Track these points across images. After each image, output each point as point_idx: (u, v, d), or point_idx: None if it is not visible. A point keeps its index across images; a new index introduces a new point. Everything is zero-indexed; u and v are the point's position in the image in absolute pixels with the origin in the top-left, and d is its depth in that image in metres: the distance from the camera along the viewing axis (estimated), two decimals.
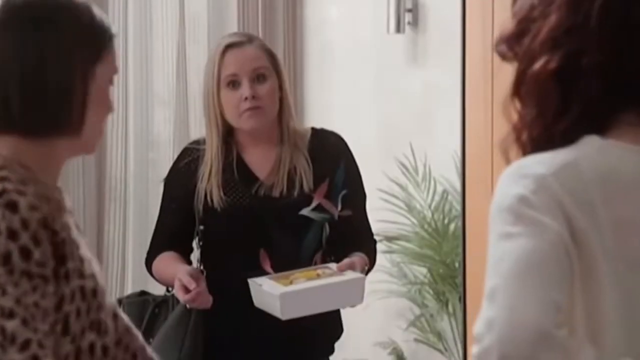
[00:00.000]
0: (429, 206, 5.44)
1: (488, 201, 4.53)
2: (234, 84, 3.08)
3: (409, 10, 5.78)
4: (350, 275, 3.19)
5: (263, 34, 3.46)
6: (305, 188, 3.18)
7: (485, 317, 1.56)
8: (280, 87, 3.15)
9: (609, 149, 1.66)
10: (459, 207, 5.40)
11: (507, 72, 4.39)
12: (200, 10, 3.54)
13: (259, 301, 3.12)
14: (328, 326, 3.37)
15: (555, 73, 1.70)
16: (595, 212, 1.62)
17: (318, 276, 3.13)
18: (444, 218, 5.39)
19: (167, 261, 3.26)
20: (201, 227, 3.23)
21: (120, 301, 3.30)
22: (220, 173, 3.15)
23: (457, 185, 5.55)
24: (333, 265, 3.24)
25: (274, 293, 3.02)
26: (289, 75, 3.57)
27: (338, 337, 3.46)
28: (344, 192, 3.29)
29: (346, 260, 3.24)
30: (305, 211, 3.18)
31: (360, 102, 5.96)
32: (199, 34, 3.70)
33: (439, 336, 5.68)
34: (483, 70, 4.48)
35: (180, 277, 3.04)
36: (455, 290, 5.32)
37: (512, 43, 1.86)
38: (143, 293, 3.36)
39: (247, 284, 3.12)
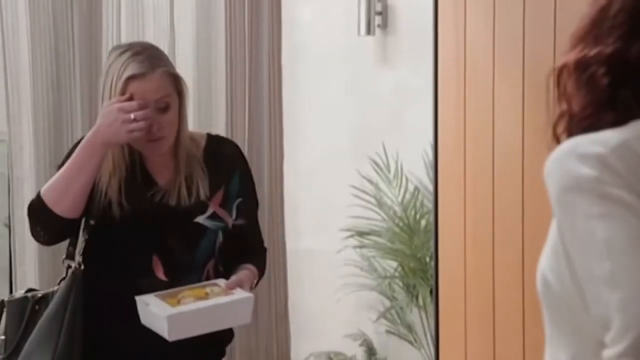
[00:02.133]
0: (401, 202, 5.40)
1: (460, 197, 4.49)
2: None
3: (379, 13, 5.78)
4: (238, 294, 2.96)
5: (249, 35, 3.31)
6: (202, 196, 3.01)
7: (617, 300, 1.49)
8: (181, 104, 2.96)
9: None
10: (429, 204, 5.36)
11: (479, 72, 4.35)
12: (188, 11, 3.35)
13: (146, 320, 2.93)
14: (217, 333, 3.09)
15: (576, 63, 1.69)
16: None
17: (207, 295, 2.93)
18: (415, 214, 5.35)
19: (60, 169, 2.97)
20: (91, 222, 2.98)
21: (2, 302, 3.06)
22: (122, 172, 2.96)
23: (427, 182, 5.51)
24: (222, 282, 3.04)
25: (161, 314, 2.83)
26: (272, 75, 3.45)
27: (229, 341, 3.22)
28: (238, 200, 3.10)
29: (234, 279, 3.02)
30: (200, 219, 3.01)
31: (333, 102, 5.91)
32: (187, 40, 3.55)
33: (409, 328, 5.64)
34: (455, 71, 4.44)
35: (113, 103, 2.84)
36: (426, 284, 5.28)
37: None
38: (29, 291, 3.09)
39: (135, 289, 2.95)
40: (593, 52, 1.68)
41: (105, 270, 3.01)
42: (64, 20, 3.07)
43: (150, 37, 3.18)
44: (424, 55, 5.35)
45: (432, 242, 5.09)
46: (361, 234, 5.44)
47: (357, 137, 5.80)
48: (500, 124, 4.25)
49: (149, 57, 2.88)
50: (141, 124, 2.79)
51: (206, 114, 3.37)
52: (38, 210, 2.91)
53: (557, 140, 1.74)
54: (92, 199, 2.93)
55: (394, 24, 5.81)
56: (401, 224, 5.37)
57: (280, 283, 3.58)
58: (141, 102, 2.81)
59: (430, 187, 5.43)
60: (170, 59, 3.05)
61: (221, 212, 3.04)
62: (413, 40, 5.68)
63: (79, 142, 2.92)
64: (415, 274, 5.35)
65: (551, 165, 1.67)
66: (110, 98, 2.84)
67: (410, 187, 5.45)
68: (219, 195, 3.05)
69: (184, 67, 3.21)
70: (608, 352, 1.50)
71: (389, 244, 5.45)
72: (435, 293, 4.61)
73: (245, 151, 3.44)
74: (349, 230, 5.65)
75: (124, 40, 3.31)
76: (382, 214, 5.51)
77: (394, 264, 5.58)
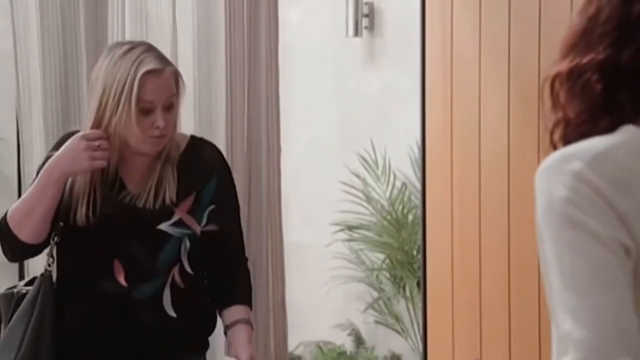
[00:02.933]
0: (389, 197, 5.40)
1: (447, 192, 4.48)
2: (147, 110, 2.74)
3: (366, 16, 5.80)
4: None
5: (248, 36, 3.29)
6: (167, 201, 2.83)
7: (576, 335, 1.49)
8: (179, 105, 2.87)
9: None
10: (415, 199, 5.37)
11: (466, 72, 4.34)
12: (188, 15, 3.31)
13: None
14: (199, 326, 2.98)
15: (569, 72, 1.64)
16: (636, 194, 1.55)
17: None
18: (403, 208, 5.35)
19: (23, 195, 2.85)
20: (61, 224, 2.83)
21: None
22: (95, 176, 2.81)
23: (413, 178, 5.52)
24: None
25: None
26: (270, 75, 3.43)
27: (210, 333, 3.05)
28: (211, 207, 2.92)
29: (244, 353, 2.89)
30: (163, 226, 2.84)
31: (321, 101, 5.91)
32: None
33: (397, 318, 5.65)
34: (442, 71, 4.43)
35: (81, 135, 2.70)
36: (413, 275, 5.29)
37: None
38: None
39: (99, 292, 2.82)
40: (585, 59, 1.64)
41: (72, 271, 2.89)
42: (71, 23, 3.05)
43: (153, 39, 3.16)
44: (409, 56, 5.37)
45: (419, 236, 5.11)
46: (350, 227, 5.45)
47: (345, 134, 5.81)
48: (486, 122, 4.25)
49: (160, 56, 2.82)
50: (105, 152, 2.70)
51: (206, 113, 3.34)
52: (3, 233, 2.80)
53: (554, 147, 1.67)
54: (61, 200, 2.80)
55: (381, 26, 5.83)
56: (389, 217, 5.37)
57: (278, 277, 3.56)
58: (103, 133, 2.71)
59: (417, 183, 5.45)
60: (172, 60, 2.99)
61: (188, 219, 2.87)
62: (399, 42, 5.69)
63: (49, 156, 2.81)
64: (402, 266, 5.36)
65: (537, 179, 1.64)
66: (122, 93, 2.70)
67: (398, 183, 5.45)
68: (189, 201, 2.88)
69: (185, 68, 3.17)
70: None
71: (377, 237, 5.45)
72: (423, 284, 4.61)
73: (244, 148, 3.40)
74: (338, 224, 5.65)
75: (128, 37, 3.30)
76: (371, 208, 5.51)
77: (381, 256, 5.59)
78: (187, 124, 3.10)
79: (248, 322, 2.95)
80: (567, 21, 4.05)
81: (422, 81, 4.55)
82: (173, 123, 2.83)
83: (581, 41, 1.65)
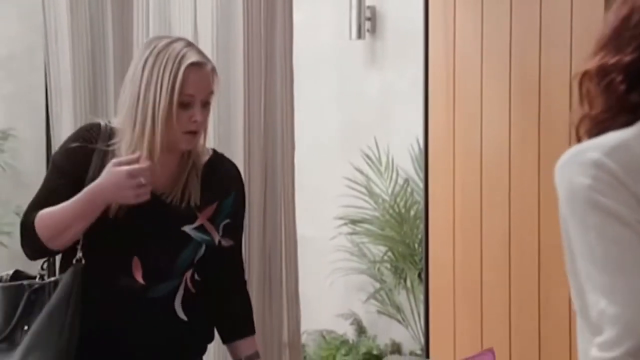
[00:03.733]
0: (391, 192, 5.39)
1: (449, 189, 4.45)
2: (187, 104, 2.61)
3: (369, 19, 5.81)
4: None
5: (265, 38, 3.27)
6: (192, 204, 2.71)
7: (612, 313, 1.51)
8: (211, 104, 2.77)
9: None
10: (416, 194, 5.35)
11: (468, 72, 4.32)
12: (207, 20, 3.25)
13: None
14: (204, 332, 2.87)
15: (598, 69, 1.65)
16: None
17: None
18: (405, 203, 5.34)
19: (54, 207, 2.64)
20: None
21: None
22: None
23: (413, 174, 5.51)
24: None
25: None
26: (285, 75, 3.41)
27: (211, 341, 2.92)
28: (226, 221, 2.80)
29: None
30: (187, 228, 2.71)
31: (325, 100, 5.88)
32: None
33: (398, 308, 5.64)
34: (445, 71, 4.41)
35: (118, 161, 2.55)
36: (414, 267, 5.27)
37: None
38: (17, 273, 2.78)
39: (116, 288, 2.68)
40: (613, 60, 1.65)
41: (92, 264, 2.69)
42: (100, 29, 3.02)
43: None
44: (410, 58, 5.36)
45: (420, 229, 5.10)
46: (354, 221, 5.43)
47: (348, 133, 5.79)
48: (488, 120, 4.23)
49: (200, 51, 2.70)
50: (148, 187, 2.55)
51: (225, 112, 3.31)
52: (29, 236, 2.66)
53: (579, 140, 1.69)
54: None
55: (382, 29, 5.82)
56: (391, 212, 5.36)
57: (292, 268, 3.53)
58: (150, 165, 2.56)
59: (417, 179, 5.43)
60: None
61: (209, 226, 2.75)
62: (399, 44, 5.69)
63: (86, 132, 2.69)
64: (404, 259, 5.34)
65: (557, 171, 1.66)
66: (165, 84, 2.57)
67: (400, 180, 5.44)
68: (211, 209, 2.76)
69: None
70: (598, 354, 1.51)
71: (379, 231, 5.43)
72: (425, 275, 4.59)
73: (261, 145, 3.37)
74: (341, 218, 5.63)
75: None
76: (373, 203, 5.50)
77: (383, 249, 5.57)
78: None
79: (259, 357, 2.89)
80: (567, 23, 4.05)
81: (425, 81, 4.53)
82: (206, 120, 2.71)
83: (611, 41, 1.65)
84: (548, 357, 4.00)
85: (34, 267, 2.80)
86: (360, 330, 5.90)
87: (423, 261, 4.68)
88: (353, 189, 5.51)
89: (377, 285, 5.73)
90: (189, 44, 2.67)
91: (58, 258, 2.80)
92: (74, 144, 2.69)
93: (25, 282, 2.74)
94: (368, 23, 5.79)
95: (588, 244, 1.56)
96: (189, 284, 2.74)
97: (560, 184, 1.64)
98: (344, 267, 5.78)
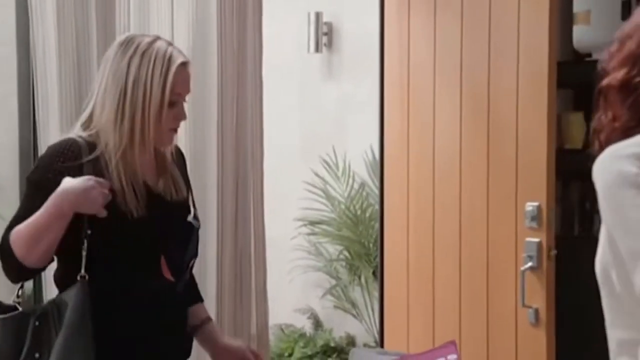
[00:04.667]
0: (348, 196, 5.38)
1: (403, 193, 4.45)
2: (174, 103, 2.48)
3: (326, 34, 5.81)
4: None
5: (237, 53, 3.24)
6: (183, 195, 2.61)
7: None
8: None
9: None
10: (371, 197, 5.35)
11: (421, 83, 4.31)
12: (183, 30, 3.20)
13: None
14: (189, 338, 2.72)
15: (621, 82, 1.74)
16: None
17: None
18: (361, 205, 5.33)
19: (25, 221, 2.44)
20: (89, 232, 2.44)
21: None
22: (130, 182, 2.49)
23: (367, 179, 5.51)
24: None
25: None
26: (255, 86, 3.38)
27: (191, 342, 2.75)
28: (191, 197, 2.70)
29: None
30: (190, 218, 2.60)
31: (286, 110, 5.86)
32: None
33: (352, 303, 5.62)
34: (399, 82, 4.41)
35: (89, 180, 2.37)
36: (369, 265, 5.27)
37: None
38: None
39: (151, 289, 2.50)
40: (638, 79, 1.71)
41: (119, 275, 2.48)
42: (85, 40, 2.96)
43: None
44: (364, 71, 5.37)
45: (375, 230, 5.10)
46: (312, 223, 5.41)
47: (308, 140, 5.78)
48: (440, 129, 4.24)
49: (180, 50, 2.57)
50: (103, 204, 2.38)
51: (200, 121, 3.27)
52: (8, 258, 2.46)
53: (600, 145, 1.76)
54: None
55: (338, 43, 5.82)
56: (348, 213, 5.35)
57: (260, 267, 3.50)
58: (109, 185, 2.40)
59: (371, 184, 5.43)
60: None
61: (196, 213, 2.65)
62: (355, 58, 5.70)
63: (66, 149, 2.47)
64: (359, 257, 5.33)
65: (598, 167, 1.69)
66: (155, 84, 2.43)
67: (356, 184, 5.44)
68: (191, 197, 2.67)
69: None
70: None
71: (336, 231, 5.42)
72: (380, 272, 4.59)
73: (233, 152, 3.33)
74: (301, 219, 5.61)
75: None
76: (330, 205, 5.49)
77: (339, 248, 5.56)
78: (182, 130, 2.95)
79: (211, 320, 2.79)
80: (514, 39, 4.06)
81: (381, 92, 4.53)
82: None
83: (635, 57, 1.72)
84: (495, 349, 4.02)
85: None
86: (317, 324, 5.89)
87: (378, 259, 4.68)
88: (312, 192, 5.50)
89: (333, 282, 5.72)
90: (170, 43, 2.57)
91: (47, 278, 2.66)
92: (59, 163, 2.46)
93: (27, 309, 2.51)
94: (325, 38, 5.79)
95: (637, 220, 1.58)
96: (187, 274, 2.65)
97: (601, 175, 1.66)
98: (302, 265, 5.77)
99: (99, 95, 2.50)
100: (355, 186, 5.44)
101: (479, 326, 4.08)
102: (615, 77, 1.71)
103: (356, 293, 5.62)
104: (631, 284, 1.59)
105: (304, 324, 5.93)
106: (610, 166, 1.65)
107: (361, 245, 5.30)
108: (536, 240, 3.83)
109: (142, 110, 2.45)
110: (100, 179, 2.40)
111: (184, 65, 2.50)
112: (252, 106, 3.35)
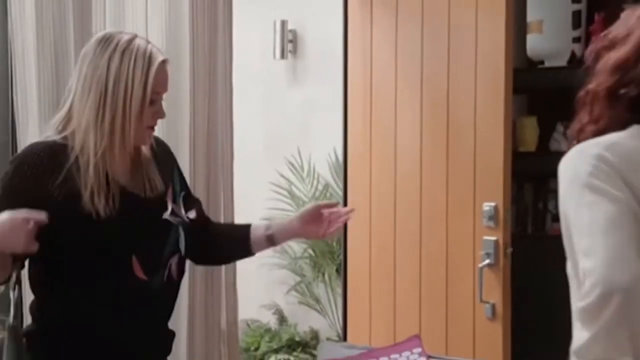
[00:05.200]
0: (313, 196, 5.37)
1: (366, 193, 4.45)
2: (154, 101, 2.39)
3: (291, 41, 5.79)
4: None
5: (209, 56, 3.23)
6: (160, 192, 2.47)
7: (589, 267, 1.57)
8: None
9: None
10: (334, 198, 5.34)
11: (383, 88, 4.32)
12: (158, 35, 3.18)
13: None
14: (169, 334, 2.62)
15: (607, 91, 1.78)
16: None
17: None
18: None
19: None
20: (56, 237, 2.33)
21: None
22: (102, 185, 2.37)
23: (330, 180, 5.50)
24: None
25: None
26: (225, 90, 3.37)
27: (173, 339, 2.64)
28: (182, 193, 2.59)
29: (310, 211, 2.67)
30: (166, 215, 2.47)
31: (252, 114, 5.84)
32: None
33: (316, 299, 5.62)
34: (362, 88, 4.42)
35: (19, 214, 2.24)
36: (333, 263, 5.26)
37: (594, 59, 1.87)
38: None
39: (121, 288, 2.39)
40: (623, 91, 1.75)
41: (90, 276, 2.37)
42: (63, 43, 2.92)
43: None
44: (328, 76, 5.37)
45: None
46: None
47: (274, 143, 5.76)
48: (402, 132, 4.25)
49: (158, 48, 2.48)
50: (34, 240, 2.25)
51: (173, 123, 3.25)
52: None
53: (578, 142, 1.80)
54: (68, 211, 2.33)
55: (303, 50, 5.81)
56: None
57: (230, 263, 3.49)
58: (45, 218, 2.25)
59: (334, 184, 5.43)
60: None
61: (176, 208, 2.53)
62: (318, 64, 5.69)
63: (31, 155, 2.36)
64: (323, 255, 5.32)
65: (562, 165, 1.74)
66: (140, 80, 2.34)
67: (320, 186, 5.43)
68: (170, 191, 2.53)
69: None
70: (580, 304, 1.56)
71: None
72: (343, 270, 4.59)
73: (205, 154, 3.33)
74: (267, 219, 5.58)
75: None
76: (295, 206, 5.48)
77: (304, 247, 5.55)
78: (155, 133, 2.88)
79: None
80: (472, 45, 4.07)
81: (345, 96, 4.53)
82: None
83: (622, 71, 1.76)
84: (454, 342, 4.03)
85: None
86: (282, 319, 5.87)
87: (342, 257, 4.68)
88: (278, 192, 5.48)
89: (298, 279, 5.71)
90: (148, 41, 2.47)
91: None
92: (25, 168, 2.35)
93: None
94: (290, 45, 5.79)
95: (581, 218, 1.62)
96: (173, 270, 2.51)
97: (564, 172, 1.71)
98: (268, 263, 5.75)
99: (76, 94, 2.39)
100: (320, 187, 5.43)
101: (439, 321, 4.10)
102: (601, 84, 1.77)
103: (320, 289, 5.62)
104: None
105: (270, 319, 5.91)
106: (571, 164, 1.70)
107: (325, 243, 5.29)
108: (493, 238, 3.86)
109: (123, 109, 2.35)
110: (31, 213, 2.24)
111: (163, 63, 2.42)
112: (223, 109, 3.34)
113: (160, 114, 2.44)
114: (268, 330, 5.81)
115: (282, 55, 5.70)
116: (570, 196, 1.67)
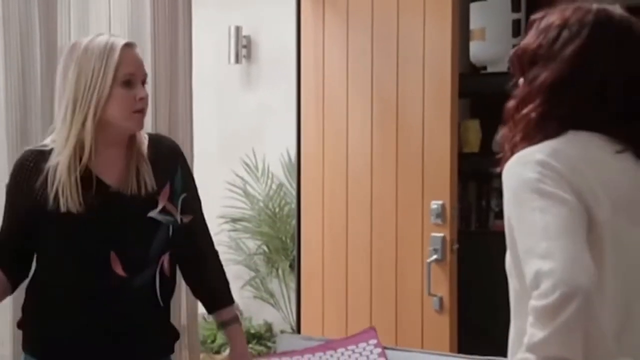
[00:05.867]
0: (267, 195, 5.34)
1: (318, 192, 4.43)
2: (129, 83, 2.29)
3: (245, 46, 5.76)
4: None
5: (170, 60, 3.18)
6: (150, 189, 2.37)
7: (547, 269, 1.55)
8: None
9: (583, 135, 1.73)
10: (287, 196, 5.32)
11: (335, 92, 4.30)
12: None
13: None
14: (165, 334, 2.54)
15: (541, 114, 1.75)
16: (585, 176, 1.66)
17: None
18: (279, 203, 5.30)
19: None
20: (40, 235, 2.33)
21: None
22: (76, 175, 2.31)
23: (283, 179, 5.48)
24: None
25: None
26: (185, 92, 3.33)
27: (177, 339, 2.58)
28: (183, 195, 2.47)
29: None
30: (152, 213, 2.37)
31: (208, 116, 5.79)
32: None
33: (270, 294, 5.59)
34: (315, 91, 4.40)
35: None
36: (286, 259, 5.24)
37: (517, 66, 1.85)
38: None
39: (100, 284, 2.32)
40: (555, 112, 1.74)
41: (70, 270, 2.32)
42: (29, 54, 2.84)
43: None
44: (280, 80, 5.35)
45: (292, 226, 5.07)
46: (234, 220, 5.35)
47: (230, 144, 5.72)
48: (353, 133, 4.24)
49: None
50: None
51: None
52: None
53: (511, 151, 1.77)
54: (42, 211, 2.30)
55: (256, 55, 5.78)
56: (267, 211, 5.32)
57: None
58: None
59: (287, 184, 5.41)
60: None
61: (170, 207, 2.41)
62: (271, 68, 5.67)
63: (26, 155, 2.35)
64: (277, 252, 5.30)
65: (506, 171, 1.71)
66: (102, 67, 2.26)
67: (274, 185, 5.40)
68: (167, 190, 2.42)
69: None
70: (536, 303, 1.54)
71: (256, 227, 5.37)
72: (297, 265, 4.57)
73: None
74: (223, 217, 5.56)
75: None
76: (250, 203, 5.45)
77: (258, 243, 5.52)
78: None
79: (240, 327, 2.63)
80: (419, 54, 4.07)
81: (298, 99, 4.51)
82: (147, 99, 2.39)
83: (557, 91, 1.74)
84: (403, 334, 4.03)
85: None
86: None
87: (295, 253, 4.66)
88: (233, 192, 5.45)
89: (253, 274, 5.68)
90: (112, 35, 2.39)
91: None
92: (16, 172, 2.37)
93: None
94: (244, 50, 5.75)
95: (533, 222, 1.60)
96: (166, 268, 2.42)
97: (508, 180, 1.69)
98: (223, 259, 5.64)
99: (59, 102, 2.35)
100: (274, 186, 5.40)
101: (389, 313, 4.10)
102: (535, 108, 1.73)
103: (274, 284, 5.59)
104: (524, 276, 1.62)
105: None
106: (516, 171, 1.68)
107: (279, 240, 5.26)
108: (440, 235, 3.87)
109: (92, 100, 2.28)
110: None
111: (128, 46, 2.34)
112: (183, 112, 3.30)
113: (141, 94, 2.33)
114: None
115: (237, 60, 5.67)
116: (519, 202, 1.64)
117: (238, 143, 5.64)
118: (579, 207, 1.61)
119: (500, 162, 1.79)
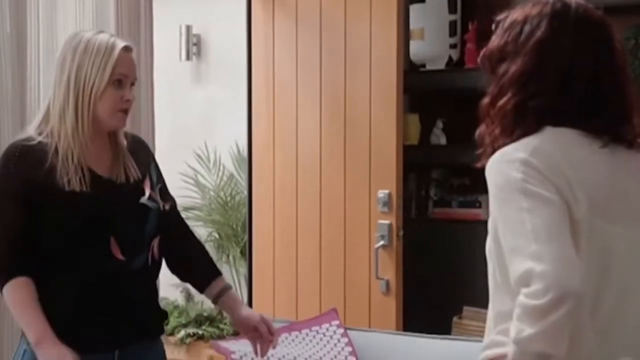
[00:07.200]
0: (218, 184, 5.26)
1: (269, 182, 4.36)
2: (120, 83, 2.30)
3: (195, 44, 5.68)
4: None
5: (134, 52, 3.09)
6: (136, 178, 2.38)
7: (539, 270, 1.50)
8: None
9: (561, 132, 1.68)
10: (238, 186, 5.26)
11: (285, 88, 4.24)
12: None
13: None
14: (158, 314, 2.50)
15: (515, 106, 1.70)
16: (564, 174, 1.62)
17: None
18: (231, 193, 5.22)
19: (22, 303, 2.28)
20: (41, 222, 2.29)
21: None
22: (75, 164, 2.29)
23: (233, 170, 5.41)
24: None
25: None
26: (147, 88, 3.24)
27: (165, 319, 2.53)
28: (159, 185, 2.48)
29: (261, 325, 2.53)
30: (143, 199, 2.37)
31: (161, 111, 5.64)
32: None
33: None
34: (265, 87, 4.34)
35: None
36: (237, 246, 5.16)
37: (488, 65, 1.79)
38: None
39: (101, 268, 2.29)
40: (532, 102, 1.69)
41: (72, 257, 2.29)
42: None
43: None
44: (230, 76, 5.28)
45: (242, 214, 5.00)
46: (186, 208, 5.25)
47: (182, 137, 5.60)
48: (303, 126, 4.19)
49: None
50: None
51: None
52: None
53: (492, 148, 1.71)
54: (44, 200, 2.26)
55: (206, 53, 5.69)
56: (219, 200, 5.24)
57: None
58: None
59: (237, 175, 5.33)
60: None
61: (154, 195, 2.42)
62: (220, 66, 5.59)
63: (15, 148, 2.29)
64: (228, 239, 5.21)
65: (490, 168, 1.65)
66: (101, 62, 2.27)
67: (225, 176, 5.32)
68: (147, 180, 2.43)
69: None
70: (526, 301, 1.51)
71: (207, 216, 5.28)
72: (248, 253, 4.51)
73: None
74: (178, 206, 5.45)
75: (43, 65, 2.94)
76: (201, 193, 5.36)
77: (209, 230, 5.42)
78: None
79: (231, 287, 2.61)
80: (366, 50, 4.02)
81: (249, 94, 4.44)
82: (132, 102, 2.41)
83: (525, 81, 1.69)
84: (352, 315, 4.00)
85: None
86: (189, 297, 5.73)
87: (246, 240, 4.59)
88: (186, 182, 5.35)
89: None
90: (112, 35, 2.39)
91: None
92: (11, 167, 2.29)
93: None
94: (195, 47, 5.67)
95: (521, 222, 1.55)
96: (155, 253, 2.41)
97: (493, 177, 1.63)
98: None
99: (54, 94, 2.33)
100: (225, 177, 5.32)
101: (338, 297, 4.06)
102: (509, 100, 1.69)
103: (224, 270, 5.47)
104: (508, 272, 1.59)
105: (177, 297, 5.76)
106: (499, 168, 1.62)
107: (230, 227, 5.18)
108: (387, 222, 3.84)
109: (86, 90, 2.28)
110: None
111: (126, 49, 2.35)
112: (145, 106, 3.22)
113: (127, 95, 2.34)
114: (177, 307, 5.66)
115: (188, 57, 5.58)
116: (504, 200, 1.60)
117: (189, 136, 5.54)
118: (563, 206, 1.57)
119: (481, 157, 1.74)
